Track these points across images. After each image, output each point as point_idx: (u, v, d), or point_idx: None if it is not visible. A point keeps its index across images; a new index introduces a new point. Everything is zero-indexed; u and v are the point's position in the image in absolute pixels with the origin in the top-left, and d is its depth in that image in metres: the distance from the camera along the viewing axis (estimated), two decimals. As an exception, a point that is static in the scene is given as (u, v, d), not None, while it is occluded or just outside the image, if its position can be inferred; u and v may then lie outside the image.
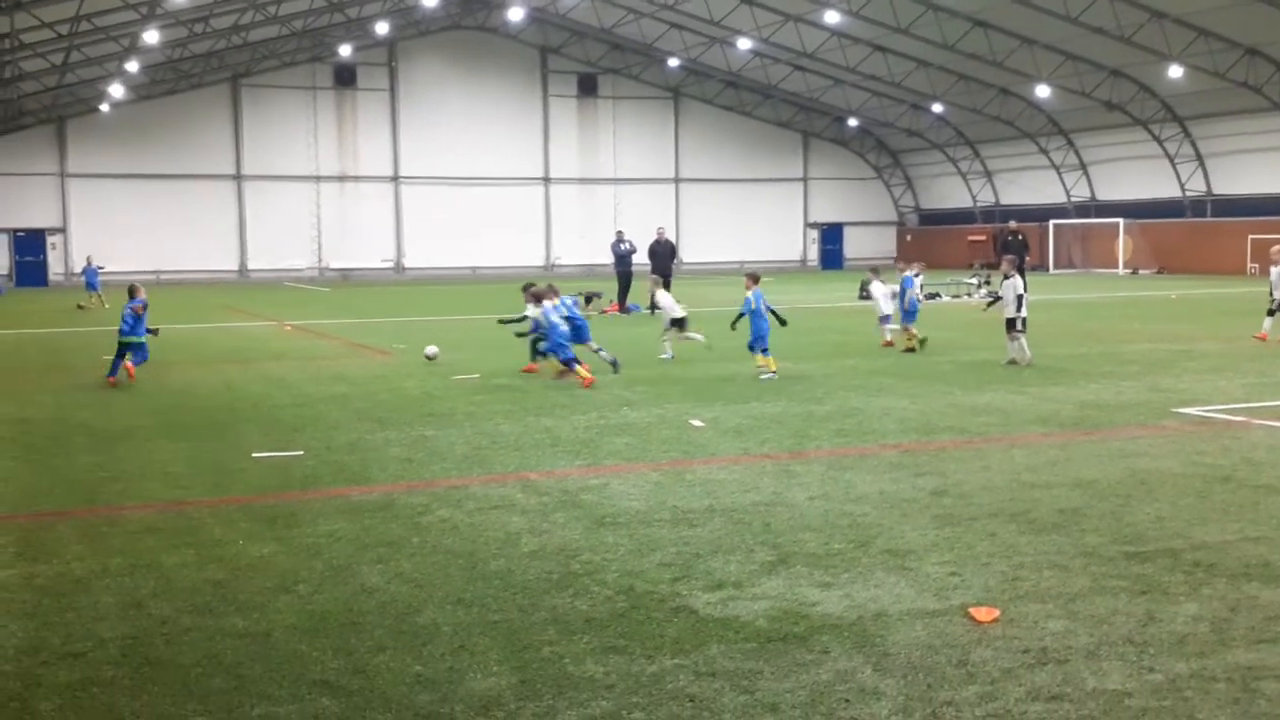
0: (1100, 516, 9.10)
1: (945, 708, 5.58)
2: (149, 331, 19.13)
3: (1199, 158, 56.30)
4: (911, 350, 21.29)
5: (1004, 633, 6.56)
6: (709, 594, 7.35)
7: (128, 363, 18.56)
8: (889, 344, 22.51)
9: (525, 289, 19.78)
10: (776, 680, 5.95)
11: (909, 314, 21.85)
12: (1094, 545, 8.28)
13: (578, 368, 17.55)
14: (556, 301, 18.61)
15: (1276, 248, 24.03)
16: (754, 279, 18.76)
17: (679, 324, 21.35)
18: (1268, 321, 23.00)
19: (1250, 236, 53.34)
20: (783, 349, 21.90)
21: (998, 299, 19.63)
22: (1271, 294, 23.25)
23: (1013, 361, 19.08)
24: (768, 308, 18.25)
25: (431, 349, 20.71)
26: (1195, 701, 5.59)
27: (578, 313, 19.46)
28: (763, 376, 17.70)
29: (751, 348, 18.26)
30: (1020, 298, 19.28)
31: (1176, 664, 6.05)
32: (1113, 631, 6.54)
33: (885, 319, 23.19)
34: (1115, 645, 6.33)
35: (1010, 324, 19.24)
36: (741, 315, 18.43)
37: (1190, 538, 8.45)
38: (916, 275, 39.63)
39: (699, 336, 21.57)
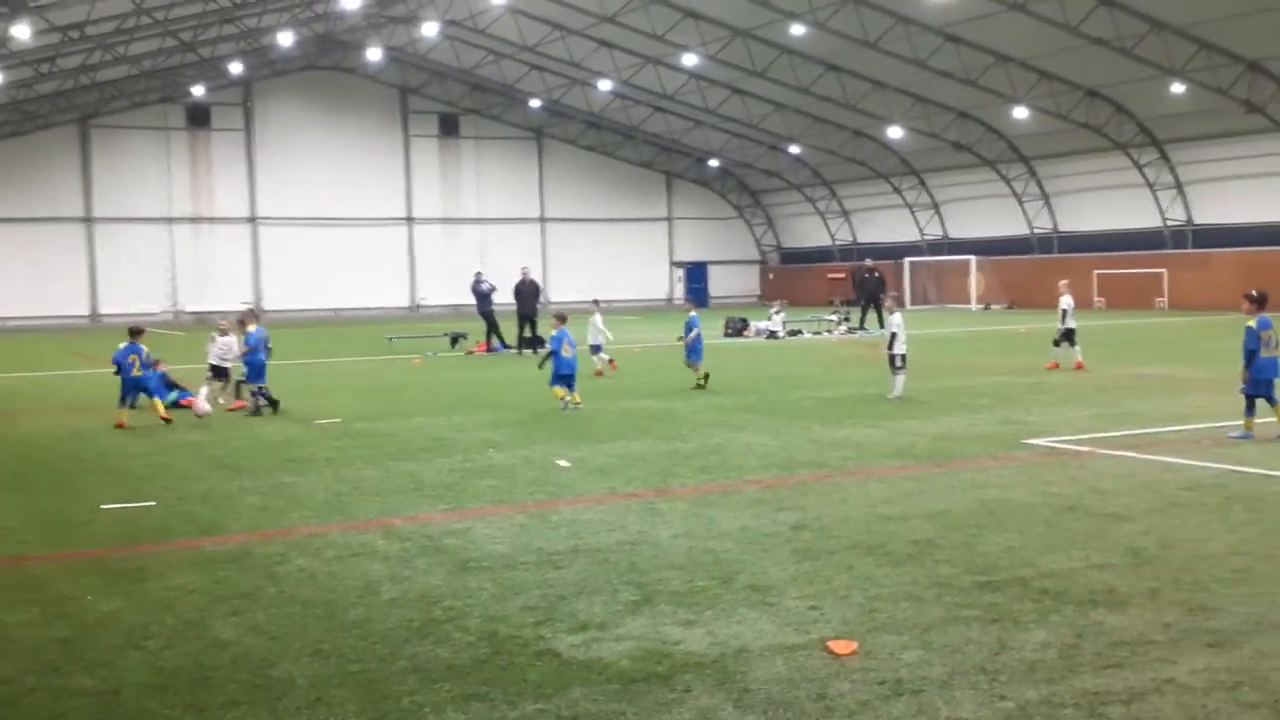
0: (953, 547, 9.32)
1: (805, 742, 5.64)
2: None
3: (1045, 196, 58.46)
4: (701, 386, 21.82)
5: (861, 665, 6.67)
6: (573, 636, 7.32)
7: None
8: (599, 373, 24.67)
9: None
10: (639, 721, 5.95)
11: (694, 351, 22.39)
12: (947, 575, 8.48)
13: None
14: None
15: (1064, 282, 25.56)
16: (560, 319, 19.92)
17: (219, 373, 21.21)
18: (1075, 350, 24.34)
19: (1096, 271, 55.45)
20: (648, 387, 22.04)
21: (894, 336, 19.94)
22: (1060, 323, 24.64)
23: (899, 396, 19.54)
24: (571, 345, 19.18)
25: (203, 407, 19.14)
26: (1044, 726, 5.75)
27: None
28: (568, 407, 18.82)
29: (554, 382, 19.14)
30: (894, 335, 19.83)
31: (1027, 691, 6.21)
32: (965, 660, 6.70)
33: (596, 348, 25.58)
34: (968, 674, 6.48)
35: (892, 360, 19.77)
36: (551, 353, 19.32)
37: (1039, 566, 8.71)
38: (777, 312, 40.44)
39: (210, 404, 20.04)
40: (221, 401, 20.43)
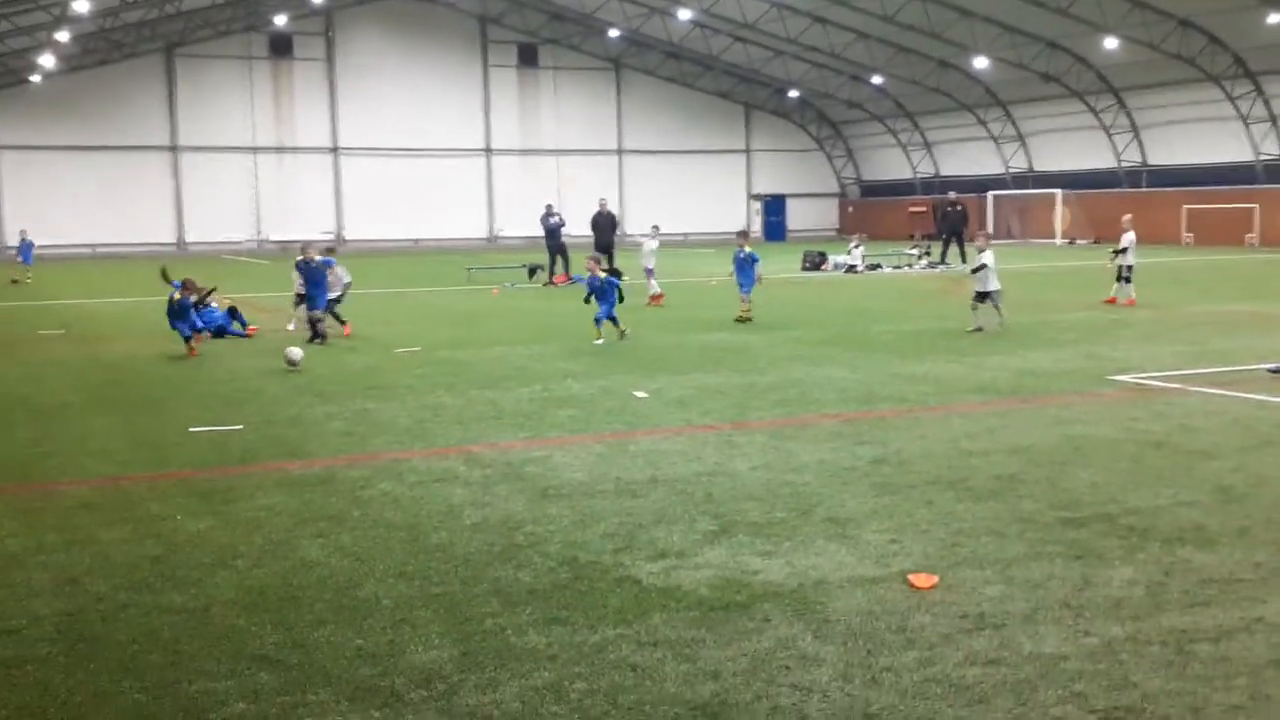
0: (1036, 483, 9.21)
1: (884, 673, 5.64)
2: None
3: (1134, 129, 57.01)
4: (743, 320, 21.59)
5: (942, 599, 6.63)
6: (651, 564, 7.36)
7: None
8: (656, 298, 25.96)
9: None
10: (718, 648, 5.97)
11: (746, 285, 21.90)
12: (1030, 511, 8.39)
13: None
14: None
15: (1127, 217, 25.09)
16: (597, 261, 20.15)
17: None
18: (1127, 288, 24.17)
19: (1185, 206, 54.14)
20: (724, 321, 21.95)
21: (981, 267, 19.70)
22: (1114, 257, 24.53)
23: (979, 329, 19.30)
24: (614, 285, 19.61)
25: (295, 353, 16.85)
26: (1130, 664, 5.69)
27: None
28: (624, 336, 19.19)
29: (599, 320, 19.20)
30: (986, 271, 19.64)
31: (1112, 627, 6.15)
32: (1049, 596, 6.63)
33: (649, 272, 26.66)
34: (1051, 610, 6.42)
35: (981, 295, 19.61)
36: (591, 292, 19.54)
37: (1125, 503, 8.58)
38: (856, 246, 40.03)
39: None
40: (292, 328, 20.81)
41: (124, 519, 8.62)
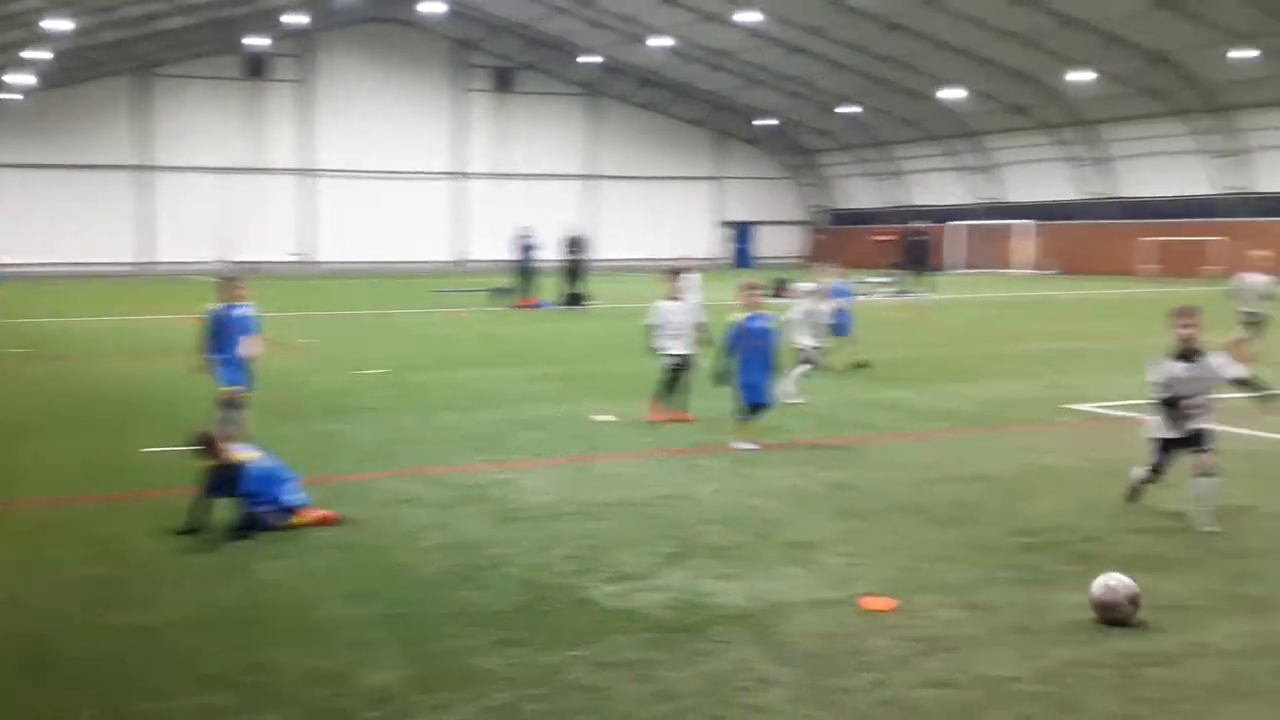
0: (995, 510, 9.30)
1: (839, 694, 5.69)
2: None
3: (1104, 160, 57.54)
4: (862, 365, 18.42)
5: (898, 622, 6.68)
6: (611, 586, 7.39)
7: None
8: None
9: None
10: (674, 670, 6.00)
11: (841, 329, 18.42)
12: (988, 538, 8.46)
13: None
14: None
15: (1261, 254, 21.03)
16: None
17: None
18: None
19: (1157, 238, 54.56)
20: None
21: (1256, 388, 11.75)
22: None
23: None
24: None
25: None
26: (1078, 687, 5.76)
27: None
28: None
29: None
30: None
31: (1062, 651, 6.22)
32: (1002, 620, 6.70)
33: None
34: (1004, 634, 6.48)
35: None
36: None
37: (1079, 530, 8.67)
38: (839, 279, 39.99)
39: None
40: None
41: (78, 539, 8.58)
